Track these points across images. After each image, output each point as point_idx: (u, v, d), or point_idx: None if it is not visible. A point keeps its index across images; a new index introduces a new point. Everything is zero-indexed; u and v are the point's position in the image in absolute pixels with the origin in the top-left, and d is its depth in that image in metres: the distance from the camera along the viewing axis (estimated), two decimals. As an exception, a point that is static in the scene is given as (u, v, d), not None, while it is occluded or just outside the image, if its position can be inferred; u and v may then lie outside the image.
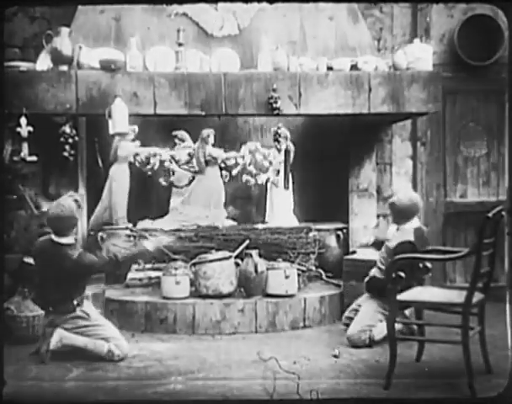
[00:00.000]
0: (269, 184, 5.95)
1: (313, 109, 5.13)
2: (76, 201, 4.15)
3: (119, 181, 5.85)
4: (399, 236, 4.40)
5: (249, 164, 5.84)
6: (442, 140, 6.17)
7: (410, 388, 3.54)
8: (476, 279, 3.51)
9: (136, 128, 5.81)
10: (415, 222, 4.42)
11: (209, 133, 5.82)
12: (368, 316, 4.41)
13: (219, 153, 5.84)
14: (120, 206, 5.83)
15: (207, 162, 5.85)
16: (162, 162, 5.94)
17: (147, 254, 4.44)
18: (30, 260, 4.91)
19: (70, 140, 5.07)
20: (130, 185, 5.89)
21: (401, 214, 4.41)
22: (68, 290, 4.08)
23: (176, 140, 6.06)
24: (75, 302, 4.09)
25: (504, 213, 3.50)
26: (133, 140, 5.90)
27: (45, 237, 4.20)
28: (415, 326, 4.23)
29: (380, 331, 4.33)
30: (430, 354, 4.02)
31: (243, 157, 5.84)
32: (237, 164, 5.86)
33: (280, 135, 5.60)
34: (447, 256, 4.07)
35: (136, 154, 5.90)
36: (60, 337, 4.06)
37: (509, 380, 3.31)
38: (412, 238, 4.31)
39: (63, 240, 4.09)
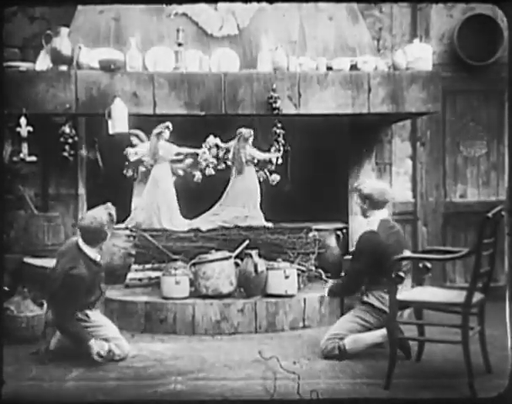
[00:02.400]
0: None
1: (313, 109, 5.13)
2: (109, 215, 4.11)
3: (165, 181, 5.75)
4: (365, 227, 4.21)
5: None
6: (442, 140, 6.17)
7: (410, 388, 3.54)
8: (476, 278, 3.51)
9: (170, 125, 5.76)
10: (383, 214, 4.22)
11: (251, 133, 5.77)
12: (338, 325, 4.19)
13: (257, 153, 5.80)
14: (169, 206, 5.78)
15: (246, 162, 5.82)
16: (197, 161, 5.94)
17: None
18: (30, 260, 4.94)
19: (69, 141, 5.07)
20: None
21: (368, 203, 4.19)
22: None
23: (135, 140, 6.01)
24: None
25: (503, 213, 3.50)
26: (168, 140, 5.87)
27: (73, 239, 4.22)
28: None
29: (353, 341, 4.07)
30: (430, 354, 4.02)
31: (278, 158, 5.83)
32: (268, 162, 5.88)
33: (278, 135, 5.59)
34: (447, 256, 4.06)
35: (178, 154, 5.88)
36: (60, 337, 4.06)
37: (509, 380, 3.31)
38: (375, 228, 4.13)
39: (87, 249, 4.08)
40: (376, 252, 4.03)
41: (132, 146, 6.01)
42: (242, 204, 5.74)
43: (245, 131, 5.71)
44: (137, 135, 5.98)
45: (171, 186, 5.76)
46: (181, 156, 5.90)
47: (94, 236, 4.06)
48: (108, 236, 4.13)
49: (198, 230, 5.54)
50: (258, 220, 5.71)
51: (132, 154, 5.95)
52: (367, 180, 4.45)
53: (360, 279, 4.17)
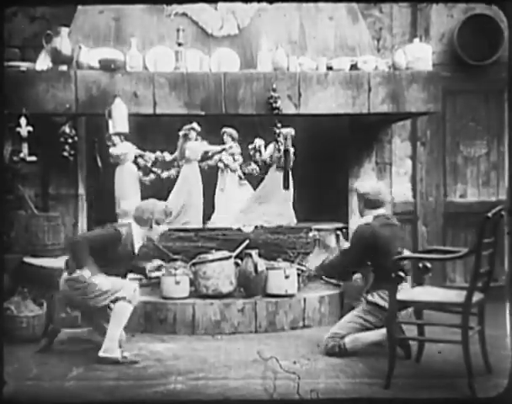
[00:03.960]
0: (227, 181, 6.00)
1: (313, 109, 5.13)
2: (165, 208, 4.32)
3: (193, 181, 5.83)
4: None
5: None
6: (442, 140, 6.17)
7: (410, 388, 3.54)
8: (475, 278, 3.51)
9: (196, 125, 5.76)
10: (379, 213, 4.23)
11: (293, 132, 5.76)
12: (339, 324, 4.23)
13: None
14: (195, 206, 5.79)
15: None
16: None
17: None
18: (30, 260, 4.94)
19: (70, 140, 5.07)
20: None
21: (364, 202, 4.25)
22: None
23: (116, 140, 5.98)
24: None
25: (503, 213, 3.50)
26: (196, 139, 5.89)
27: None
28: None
29: (352, 340, 4.09)
30: (430, 354, 4.02)
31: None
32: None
33: (278, 135, 5.58)
34: (447, 256, 4.07)
35: (205, 152, 5.91)
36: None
37: (509, 380, 3.31)
38: (369, 221, 4.17)
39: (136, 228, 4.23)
40: (368, 243, 4.07)
41: (113, 145, 6.02)
42: (282, 202, 5.75)
43: (289, 130, 5.69)
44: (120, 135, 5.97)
45: (199, 186, 5.83)
46: (209, 154, 5.97)
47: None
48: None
49: (239, 230, 5.54)
50: (292, 219, 5.72)
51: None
52: (366, 180, 4.45)
53: (349, 267, 4.36)
